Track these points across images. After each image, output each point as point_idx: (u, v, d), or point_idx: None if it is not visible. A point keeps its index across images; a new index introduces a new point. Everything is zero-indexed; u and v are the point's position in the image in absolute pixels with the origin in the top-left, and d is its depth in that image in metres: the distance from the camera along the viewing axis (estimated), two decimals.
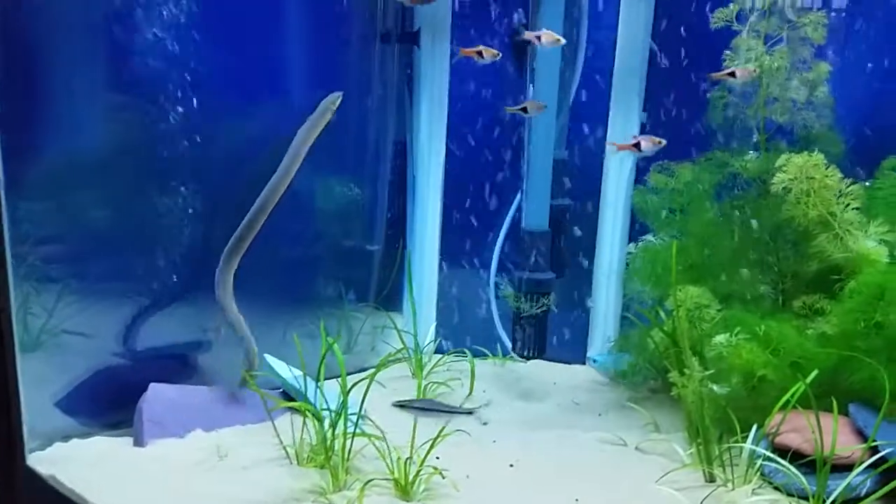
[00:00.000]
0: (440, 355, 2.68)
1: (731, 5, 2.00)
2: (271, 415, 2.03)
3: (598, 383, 2.62)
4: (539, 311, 2.47)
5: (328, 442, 1.84)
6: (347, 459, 1.84)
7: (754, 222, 2.06)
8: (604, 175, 2.66)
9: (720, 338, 1.91)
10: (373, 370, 2.01)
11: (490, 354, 2.76)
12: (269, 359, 2.23)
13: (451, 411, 1.83)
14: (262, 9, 2.31)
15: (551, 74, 2.38)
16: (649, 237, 2.41)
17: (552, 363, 2.79)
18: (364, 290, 2.79)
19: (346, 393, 1.87)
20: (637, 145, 1.93)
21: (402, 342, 2.58)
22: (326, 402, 1.90)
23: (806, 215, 1.89)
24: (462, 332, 2.83)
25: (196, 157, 2.20)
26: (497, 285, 2.72)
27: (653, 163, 2.32)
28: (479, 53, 2.06)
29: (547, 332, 2.54)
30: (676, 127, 2.46)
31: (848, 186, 1.90)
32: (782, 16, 1.93)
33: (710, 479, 1.89)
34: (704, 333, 2.00)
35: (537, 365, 2.77)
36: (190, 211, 2.25)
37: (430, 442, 1.87)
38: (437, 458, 1.97)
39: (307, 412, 1.90)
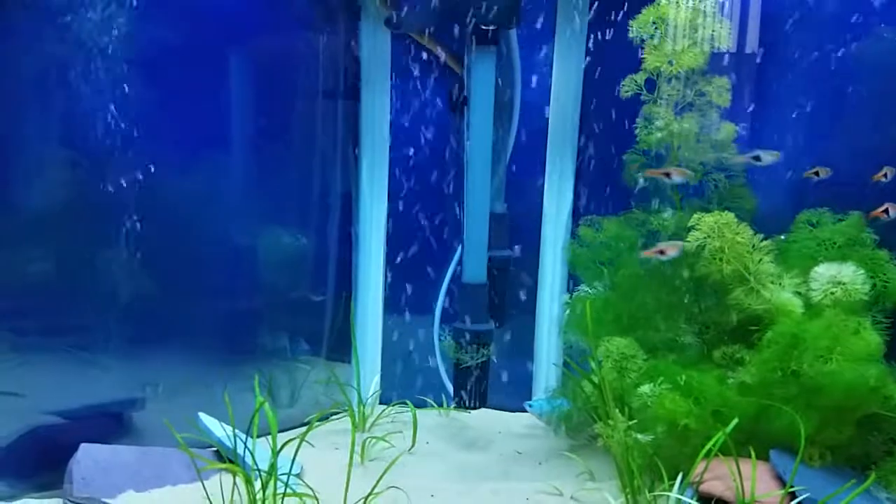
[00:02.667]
0: (385, 406, 2.69)
1: (640, 73, 2.12)
2: (202, 475, 2.01)
3: (542, 431, 2.65)
4: (479, 361, 2.50)
5: (258, 503, 1.83)
6: None
7: (676, 276, 2.14)
8: (542, 227, 2.76)
9: (644, 388, 1.97)
10: (307, 427, 2.01)
11: (435, 405, 2.78)
12: (203, 417, 2.22)
13: None
14: (204, 64, 2.36)
15: (485, 131, 2.47)
16: (584, 288, 2.48)
17: (497, 412, 2.82)
18: (311, 342, 2.80)
19: (275, 452, 1.87)
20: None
21: (345, 395, 2.58)
22: (255, 462, 1.90)
23: (721, 271, 1.98)
24: (408, 383, 2.85)
25: (133, 213, 2.22)
26: (439, 336, 2.75)
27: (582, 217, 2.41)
28: (668, 174, 2.08)
29: (488, 382, 2.57)
30: (609, 181, 2.55)
31: (761, 241, 2.00)
32: (688, 82, 2.05)
33: None
34: (631, 383, 2.06)
35: (482, 414, 2.79)
36: (126, 266, 2.25)
37: (364, 500, 1.87)
38: None
39: (237, 472, 1.89)
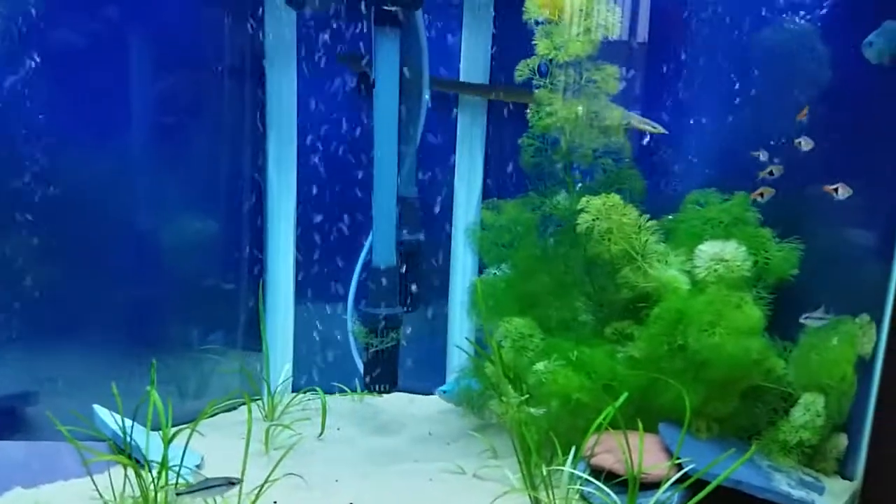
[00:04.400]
0: (294, 394, 2.67)
1: (533, 58, 2.15)
2: (97, 468, 1.95)
3: (453, 412, 2.68)
4: (388, 345, 2.50)
5: (150, 493, 1.79)
6: None
7: (572, 256, 2.19)
8: (454, 210, 2.77)
9: (539, 365, 2.01)
10: (198, 418, 1.97)
11: (348, 390, 2.77)
12: (98, 409, 2.15)
13: (211, 486, 1.81)
14: (102, 44, 2.27)
15: (390, 113, 2.45)
16: (492, 270, 2.51)
17: (411, 395, 2.84)
18: (223, 331, 2.74)
19: (167, 443, 1.83)
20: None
21: (252, 384, 2.55)
22: (147, 453, 1.85)
23: (609, 250, 2.03)
24: (321, 369, 2.83)
25: (27, 196, 2.13)
26: (351, 321, 2.74)
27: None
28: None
29: (397, 366, 2.58)
30: (515, 164, 2.58)
31: (647, 222, 2.06)
32: (579, 68, 2.09)
33: (536, 502, 1.96)
34: (529, 361, 2.10)
35: (396, 398, 2.81)
36: (23, 255, 2.15)
37: (259, 488, 1.86)
38: (275, 502, 1.96)
39: (127, 464, 1.84)
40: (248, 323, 2.77)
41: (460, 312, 2.78)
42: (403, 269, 2.64)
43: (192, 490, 1.78)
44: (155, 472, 1.84)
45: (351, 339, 2.77)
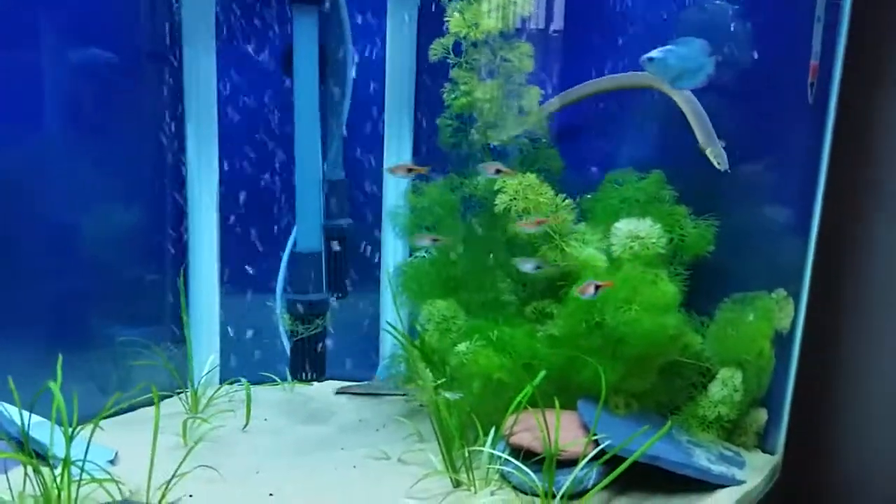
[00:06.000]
0: (219, 385, 2.61)
1: (447, 37, 2.12)
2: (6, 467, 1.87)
3: (387, 398, 2.66)
4: (313, 332, 2.46)
5: (53, 492, 1.72)
6: None
7: (493, 237, 2.18)
8: (383, 194, 2.73)
9: (461, 346, 2.00)
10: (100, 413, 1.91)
11: (278, 380, 2.72)
12: (3, 406, 2.06)
13: None
14: (7, 27, 2.15)
15: (310, 92, 2.40)
16: (421, 253, 2.49)
17: (345, 383, 2.80)
18: (147, 323, 2.65)
19: (69, 439, 1.76)
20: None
21: (176, 376, 2.48)
22: (41, 448, 1.78)
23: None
24: (252, 359, 2.77)
25: None
26: (278, 308, 2.69)
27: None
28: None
29: (325, 354, 2.54)
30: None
31: (563, 201, 2.06)
32: (492, 47, 2.07)
33: (457, 484, 1.96)
34: (452, 343, 2.08)
35: (328, 386, 2.77)
36: None
37: (166, 482, 1.81)
38: (191, 496, 1.91)
39: (26, 461, 1.76)
40: (173, 314, 2.70)
41: (392, 297, 2.76)
42: (332, 255, 2.60)
43: None
44: (59, 470, 1.77)
45: (280, 326, 2.72)
